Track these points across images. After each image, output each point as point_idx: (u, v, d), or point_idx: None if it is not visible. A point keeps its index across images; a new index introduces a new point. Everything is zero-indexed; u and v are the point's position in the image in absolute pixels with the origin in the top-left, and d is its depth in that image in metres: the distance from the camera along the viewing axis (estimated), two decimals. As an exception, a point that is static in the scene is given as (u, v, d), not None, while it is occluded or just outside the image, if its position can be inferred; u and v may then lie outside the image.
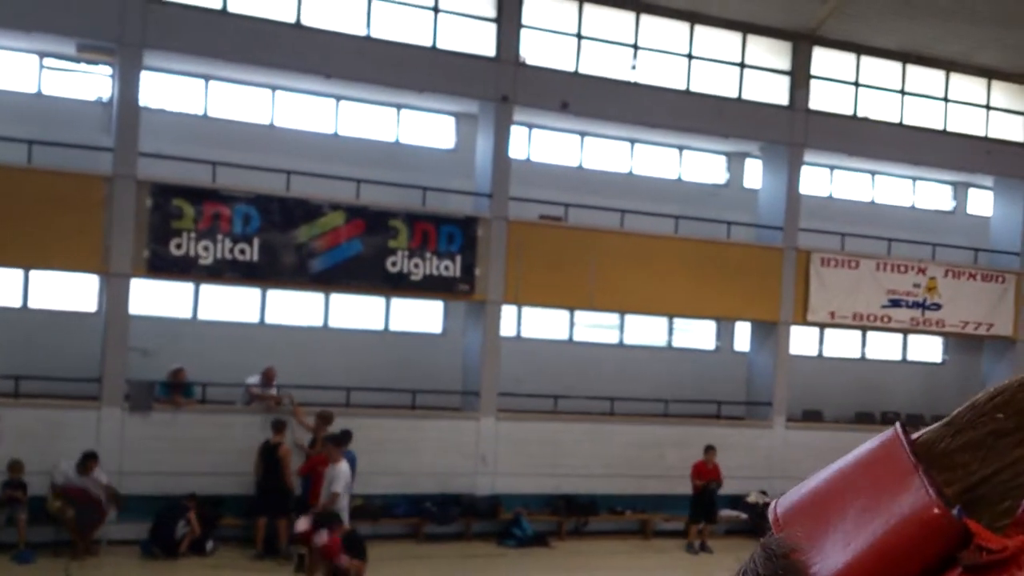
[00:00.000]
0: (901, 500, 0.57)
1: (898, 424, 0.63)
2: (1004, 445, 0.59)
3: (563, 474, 18.59)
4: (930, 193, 25.54)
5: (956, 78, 22.89)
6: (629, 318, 22.14)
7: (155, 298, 17.93)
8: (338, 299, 19.51)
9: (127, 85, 16.35)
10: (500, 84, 18.54)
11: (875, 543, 0.56)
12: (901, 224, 23.72)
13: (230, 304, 18.90)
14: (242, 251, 16.74)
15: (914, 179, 24.96)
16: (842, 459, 0.62)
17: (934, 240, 23.13)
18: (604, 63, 19.64)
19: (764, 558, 0.61)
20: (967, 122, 22.97)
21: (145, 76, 16.73)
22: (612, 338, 22.38)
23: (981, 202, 25.43)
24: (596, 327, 22.28)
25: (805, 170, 21.72)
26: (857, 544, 0.56)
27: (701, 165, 23.11)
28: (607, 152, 22.04)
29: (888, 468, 0.59)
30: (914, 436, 0.63)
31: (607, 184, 21.43)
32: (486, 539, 17.86)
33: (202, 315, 18.82)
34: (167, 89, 18.37)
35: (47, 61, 17.58)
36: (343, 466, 13.37)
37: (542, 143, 21.43)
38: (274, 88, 19.04)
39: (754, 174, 22.71)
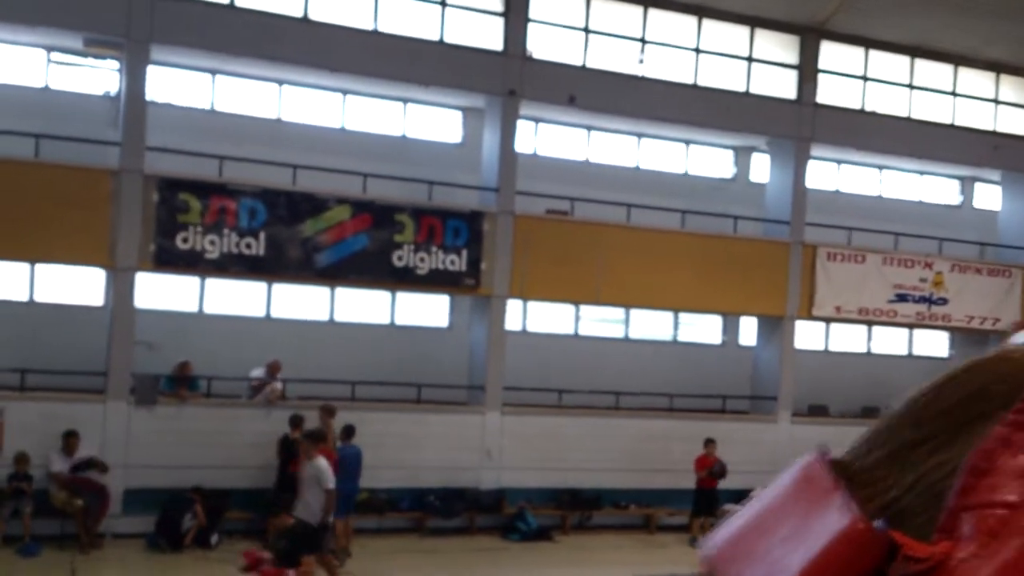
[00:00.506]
0: (825, 520, 0.56)
1: (816, 447, 0.63)
2: (917, 456, 0.59)
3: (568, 468, 18.50)
4: (937, 187, 25.35)
5: (964, 72, 22.73)
6: (634, 312, 22.02)
7: (161, 292, 17.87)
8: (344, 293, 19.43)
9: (134, 79, 16.29)
10: (507, 78, 18.42)
11: (806, 567, 0.55)
12: (908, 218, 23.52)
13: (236, 298, 18.83)
14: (248, 245, 16.67)
15: (921, 173, 24.77)
16: (765, 490, 0.62)
17: (941, 234, 22.94)
18: (611, 57, 19.51)
19: None
20: (975, 116, 22.81)
21: (152, 70, 16.64)
22: (618, 332, 22.27)
23: (989, 196, 25.25)
24: (602, 321, 22.17)
25: (812, 164, 21.60)
26: (789, 571, 0.55)
27: (708, 159, 22.96)
28: (614, 146, 21.90)
29: (811, 491, 0.59)
30: (834, 457, 0.62)
31: (614, 178, 21.31)
32: (490, 533, 17.80)
33: (208, 309, 18.76)
34: (174, 83, 18.28)
35: (54, 55, 17.52)
36: (323, 462, 12.86)
37: (549, 137, 21.30)
38: (281, 82, 18.95)
39: (761, 168, 22.56)
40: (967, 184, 25.51)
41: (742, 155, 23.11)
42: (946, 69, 22.63)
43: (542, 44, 19.04)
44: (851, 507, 0.57)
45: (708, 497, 18.14)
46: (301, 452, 13.31)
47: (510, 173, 18.56)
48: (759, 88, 20.76)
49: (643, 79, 19.70)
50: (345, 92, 19.42)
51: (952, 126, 22.58)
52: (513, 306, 19.40)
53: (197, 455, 15.80)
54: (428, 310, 20.40)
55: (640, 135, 21.88)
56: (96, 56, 17.13)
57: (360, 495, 16.12)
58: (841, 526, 0.56)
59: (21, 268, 17.25)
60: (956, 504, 0.55)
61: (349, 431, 15.87)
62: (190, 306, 18.60)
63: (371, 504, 16.81)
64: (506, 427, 18.33)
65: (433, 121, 20.42)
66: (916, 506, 0.58)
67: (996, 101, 23.01)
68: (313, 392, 17.28)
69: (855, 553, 0.55)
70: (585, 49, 19.35)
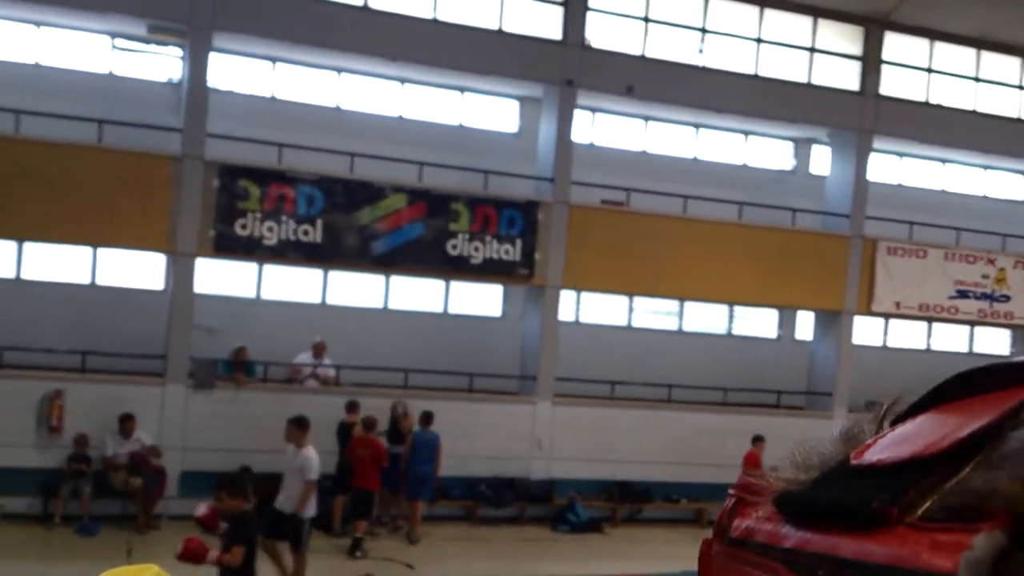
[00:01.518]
0: None
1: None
2: None
3: (618, 460, 18.42)
4: (1002, 182, 24.84)
5: (1032, 65, 22.25)
6: (689, 305, 21.86)
7: (220, 277, 18.07)
8: (398, 281, 19.51)
9: (196, 66, 16.41)
10: (565, 67, 18.31)
11: None
12: (971, 213, 23.07)
13: (293, 284, 19.00)
14: (305, 232, 16.77)
15: (986, 167, 24.27)
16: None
17: (1005, 230, 22.47)
18: (671, 47, 19.29)
19: None
20: (1042, 111, 22.31)
21: (214, 58, 16.77)
22: (671, 325, 22.12)
23: (1055, 192, 24.72)
24: (656, 314, 22.05)
25: (874, 157, 21.23)
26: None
27: (767, 151, 22.68)
28: (671, 137, 21.70)
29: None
30: None
31: (671, 169, 21.12)
32: (540, 523, 17.74)
33: (266, 295, 18.95)
34: (235, 71, 18.43)
35: (118, 42, 17.69)
36: (312, 452, 12.51)
37: (606, 127, 21.17)
38: (340, 71, 19.01)
39: (821, 160, 22.25)
40: (1033, 179, 24.99)
41: (802, 147, 22.78)
42: (1012, 62, 22.15)
43: (601, 33, 18.89)
44: None
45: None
46: (287, 438, 12.75)
47: (566, 163, 18.45)
48: (821, 79, 20.42)
49: (702, 69, 19.46)
50: (403, 81, 19.44)
51: (1018, 120, 22.10)
52: (567, 297, 19.34)
53: (253, 439, 15.94)
54: (482, 299, 20.42)
55: (698, 126, 21.66)
56: (159, 43, 17.30)
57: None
58: None
59: (83, 252, 17.53)
60: None
61: (427, 417, 16.24)
62: (248, 292, 18.81)
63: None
64: (557, 418, 18.29)
65: (490, 110, 20.38)
66: None
67: (1065, 95, 22.50)
68: (367, 379, 17.40)
69: None
70: (644, 39, 19.17)
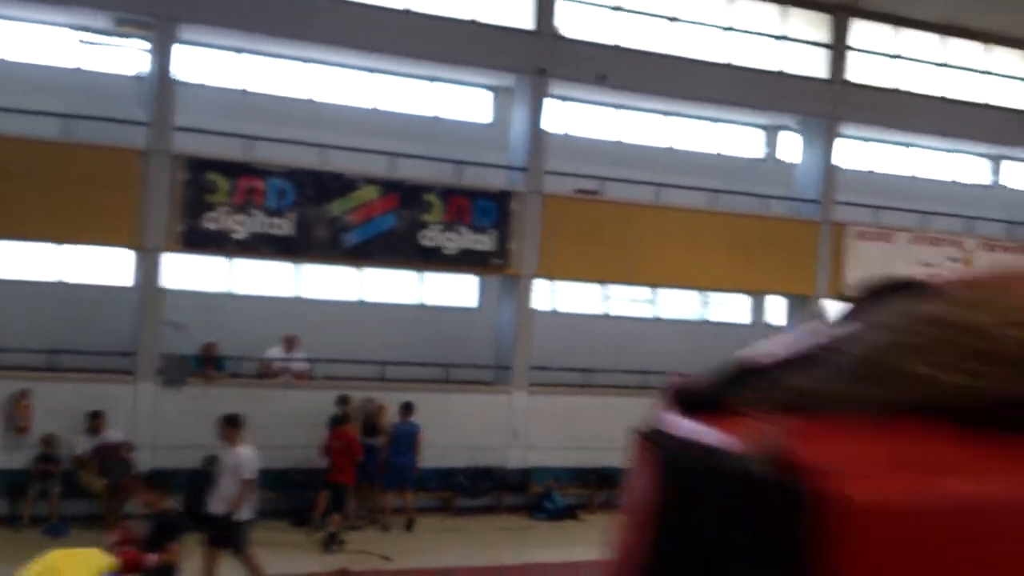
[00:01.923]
0: None
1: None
2: None
3: (594, 447, 17.67)
4: (968, 166, 24.15)
5: (996, 51, 21.63)
6: (663, 292, 21.07)
7: (192, 272, 17.09)
8: (374, 273, 18.55)
9: (163, 59, 15.51)
10: (537, 57, 17.51)
11: None
12: (938, 198, 22.45)
13: (265, 278, 17.99)
14: (276, 225, 15.89)
15: (951, 151, 23.59)
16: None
17: (971, 214, 21.87)
18: (643, 36, 18.53)
19: None
20: (1007, 95, 21.66)
21: (182, 50, 15.85)
22: (646, 312, 21.33)
23: (1020, 175, 24.04)
24: (631, 301, 21.23)
25: (843, 143, 20.57)
26: None
27: (739, 139, 21.88)
28: (644, 126, 20.86)
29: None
30: None
31: (644, 158, 20.31)
32: (517, 512, 17.06)
33: (237, 289, 17.93)
34: (206, 64, 17.43)
35: (84, 35, 16.67)
36: (246, 450, 11.49)
37: (579, 117, 20.29)
38: (312, 62, 18.04)
39: (791, 147, 21.50)
40: (998, 163, 24.31)
41: (772, 134, 22.03)
42: (977, 47, 21.53)
43: (572, 23, 18.08)
44: None
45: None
46: (223, 437, 11.67)
47: (539, 152, 17.67)
48: (790, 67, 19.76)
49: (674, 58, 18.71)
50: (376, 72, 18.50)
51: (983, 105, 21.51)
52: (543, 286, 18.54)
53: (224, 435, 15.07)
54: (457, 290, 19.50)
55: (671, 114, 20.84)
56: (126, 35, 16.25)
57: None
58: None
59: (50, 248, 16.47)
60: None
61: (407, 408, 15.71)
62: (219, 286, 17.80)
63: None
64: (533, 407, 17.52)
65: (463, 100, 19.45)
66: None
67: (1029, 80, 21.85)
68: (342, 372, 16.56)
69: None
70: (616, 28, 18.37)
